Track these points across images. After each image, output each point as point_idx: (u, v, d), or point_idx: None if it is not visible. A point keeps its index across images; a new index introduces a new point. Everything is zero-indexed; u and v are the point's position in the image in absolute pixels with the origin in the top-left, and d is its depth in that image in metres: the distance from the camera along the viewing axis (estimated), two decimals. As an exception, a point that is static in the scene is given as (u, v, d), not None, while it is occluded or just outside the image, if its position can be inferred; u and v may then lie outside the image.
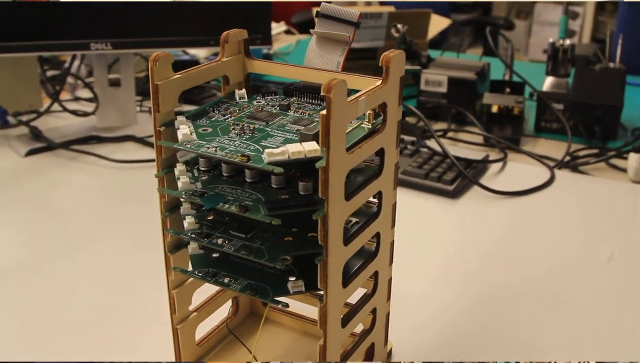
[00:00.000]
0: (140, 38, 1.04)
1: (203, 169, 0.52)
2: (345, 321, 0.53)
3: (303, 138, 0.48)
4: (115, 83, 1.13)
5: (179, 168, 0.52)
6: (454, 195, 0.97)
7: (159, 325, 0.65)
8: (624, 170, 1.09)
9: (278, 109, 0.55)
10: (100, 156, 1.05)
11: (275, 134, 0.50)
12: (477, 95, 1.30)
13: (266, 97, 0.58)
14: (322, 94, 0.44)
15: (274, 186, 0.50)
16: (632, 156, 1.06)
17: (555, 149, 1.17)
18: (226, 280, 0.52)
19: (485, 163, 1.07)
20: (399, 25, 1.30)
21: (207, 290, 0.59)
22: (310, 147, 0.46)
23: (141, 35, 1.03)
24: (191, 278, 0.58)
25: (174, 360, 0.60)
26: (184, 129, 0.49)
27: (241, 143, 0.49)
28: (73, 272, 0.77)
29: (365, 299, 0.57)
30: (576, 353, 0.65)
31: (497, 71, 1.37)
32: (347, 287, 0.52)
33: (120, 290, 0.74)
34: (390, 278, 0.60)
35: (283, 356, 0.62)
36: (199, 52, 1.57)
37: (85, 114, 1.15)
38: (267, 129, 0.51)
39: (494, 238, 0.86)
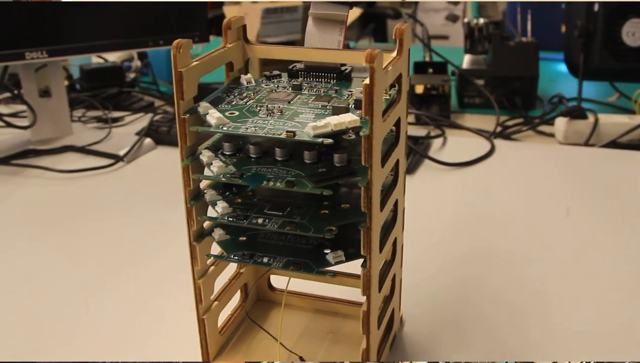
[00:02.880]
0: (76, 44, 1.00)
1: (228, 153, 0.53)
2: (379, 287, 0.55)
3: (336, 111, 0.50)
4: (45, 93, 1.09)
5: (206, 154, 0.52)
6: (409, 171, 1.00)
7: (154, 326, 0.64)
8: (551, 135, 1.17)
9: (291, 89, 0.56)
10: (45, 168, 1.01)
11: (303, 111, 0.51)
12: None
13: (272, 80, 0.58)
14: (364, 64, 0.45)
15: (307, 161, 0.51)
16: (560, 120, 1.15)
17: (482, 122, 1.24)
18: (265, 259, 0.52)
19: (428, 139, 1.12)
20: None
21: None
22: (350, 118, 0.47)
23: (77, 40, 1.00)
24: (212, 267, 0.58)
25: (199, 350, 0.59)
26: (214, 113, 0.49)
27: (276, 121, 0.49)
28: (56, 282, 0.74)
29: (387, 266, 0.59)
30: (551, 304, 0.70)
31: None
32: (381, 253, 0.53)
33: (101, 294, 0.72)
34: (402, 245, 0.62)
35: (304, 335, 0.63)
36: (109, 57, 1.52)
37: (22, 127, 1.09)
38: (292, 107, 0.52)
39: (455, 208, 0.91)
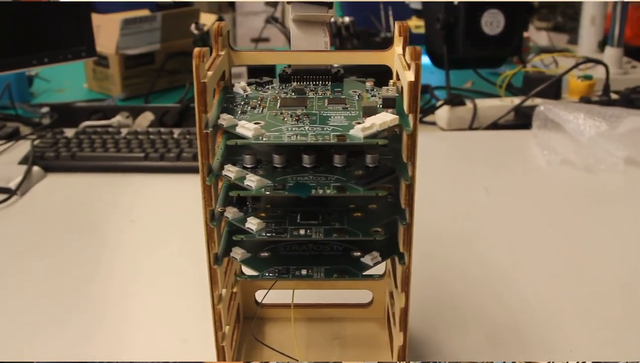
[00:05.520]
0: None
1: (249, 165, 0.50)
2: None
3: (367, 111, 0.49)
4: None
5: (231, 169, 0.49)
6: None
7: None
8: (431, 123, 1.24)
9: (295, 94, 0.54)
10: None
11: (330, 114, 0.50)
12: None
13: (265, 87, 0.56)
14: (410, 60, 0.45)
15: (338, 165, 0.50)
16: (442, 109, 1.22)
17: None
18: (304, 272, 0.50)
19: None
20: (201, 22, 1.29)
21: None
22: (390, 117, 0.47)
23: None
24: (224, 290, 0.54)
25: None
26: (246, 124, 0.46)
27: (311, 128, 0.47)
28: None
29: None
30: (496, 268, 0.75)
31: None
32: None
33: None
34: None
35: (311, 345, 0.61)
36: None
37: None
38: (314, 112, 0.50)
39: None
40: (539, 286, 0.71)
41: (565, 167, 1.02)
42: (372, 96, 0.53)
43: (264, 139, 0.46)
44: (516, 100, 1.23)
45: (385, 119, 0.47)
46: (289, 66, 0.57)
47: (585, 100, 1.21)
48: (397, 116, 0.47)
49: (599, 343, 0.63)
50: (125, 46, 1.38)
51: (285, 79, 0.57)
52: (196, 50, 0.46)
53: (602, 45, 1.59)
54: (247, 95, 0.54)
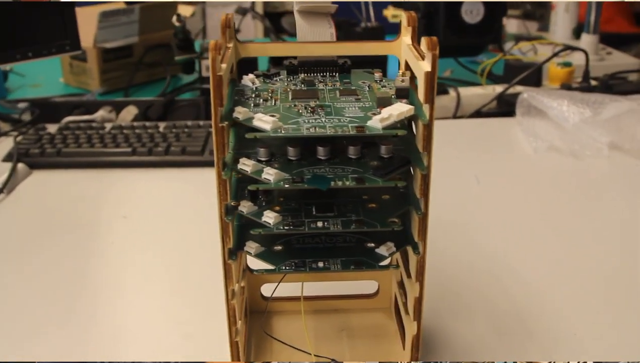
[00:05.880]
0: None
1: (263, 158, 0.49)
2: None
3: (382, 102, 0.49)
4: None
5: (247, 162, 0.48)
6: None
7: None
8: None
9: (305, 86, 0.54)
10: None
11: (344, 106, 0.50)
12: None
13: (273, 78, 0.56)
14: (426, 51, 0.45)
15: (352, 157, 0.50)
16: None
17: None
18: (321, 264, 0.50)
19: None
20: (182, 14, 1.27)
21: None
22: (406, 108, 0.47)
23: None
24: (236, 285, 0.54)
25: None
26: (263, 117, 0.46)
27: (328, 119, 0.47)
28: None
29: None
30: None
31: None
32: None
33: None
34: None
35: (319, 337, 0.61)
36: None
37: None
38: (328, 103, 0.50)
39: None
40: (539, 271, 0.72)
41: (552, 153, 1.03)
42: (382, 87, 0.53)
43: (282, 132, 0.45)
44: (498, 88, 1.24)
45: (401, 109, 0.47)
46: (295, 58, 0.57)
47: (566, 87, 1.23)
48: (412, 106, 0.47)
49: (601, 324, 0.64)
50: (103, 39, 1.36)
51: (292, 70, 0.56)
52: (212, 42, 0.45)
53: (575, 32, 1.61)
54: (256, 88, 0.53)
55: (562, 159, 1.01)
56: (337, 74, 0.56)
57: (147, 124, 1.09)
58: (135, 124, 1.09)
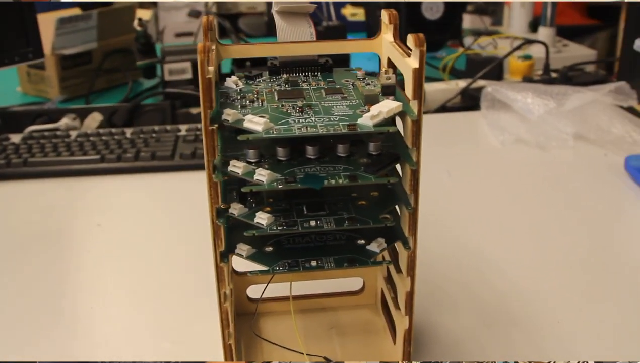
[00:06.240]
0: None
1: (253, 160, 0.49)
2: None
3: (369, 99, 0.49)
4: None
5: (237, 164, 0.48)
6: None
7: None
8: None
9: (289, 86, 0.54)
10: None
11: (332, 104, 0.50)
12: (221, 73, 1.33)
13: (256, 80, 0.55)
14: (414, 48, 0.46)
15: (341, 155, 0.50)
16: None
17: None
18: (314, 263, 0.50)
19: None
20: (144, 18, 1.25)
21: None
22: (395, 105, 0.48)
23: None
24: (228, 288, 0.54)
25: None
26: (254, 118, 0.46)
27: (318, 119, 0.47)
28: None
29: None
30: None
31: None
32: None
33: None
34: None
35: (308, 336, 0.61)
36: None
37: None
38: (315, 103, 0.50)
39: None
40: (514, 261, 0.74)
41: (519, 145, 1.05)
42: (366, 85, 0.54)
43: (274, 133, 0.45)
44: (461, 83, 1.25)
45: (390, 106, 0.47)
46: (276, 58, 0.57)
47: (528, 79, 1.25)
48: (401, 103, 0.48)
49: (581, 309, 0.65)
50: (61, 46, 1.33)
51: (275, 71, 0.56)
52: (200, 45, 0.45)
53: (531, 26, 1.64)
54: (240, 90, 0.53)
55: (529, 151, 1.03)
56: (319, 73, 0.56)
57: (114, 130, 1.07)
58: (101, 130, 1.07)
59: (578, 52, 1.48)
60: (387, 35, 0.55)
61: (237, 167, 0.48)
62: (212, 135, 0.47)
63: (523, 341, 0.62)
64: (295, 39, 0.56)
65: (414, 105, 0.48)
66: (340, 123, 0.46)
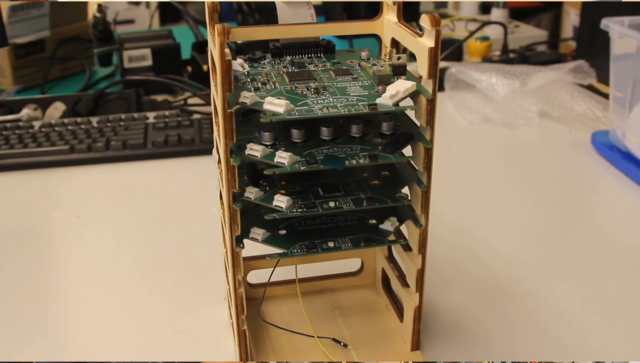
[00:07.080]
0: None
1: (267, 143, 0.49)
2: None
3: (382, 80, 0.50)
4: None
5: (255, 148, 0.48)
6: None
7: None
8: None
9: (296, 68, 0.54)
10: None
11: (344, 85, 0.50)
12: (181, 59, 1.31)
13: (260, 62, 0.55)
14: (430, 27, 0.47)
15: (355, 135, 0.50)
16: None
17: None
18: (331, 244, 0.51)
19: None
20: (102, 5, 1.22)
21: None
22: (410, 84, 0.48)
23: None
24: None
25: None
26: (274, 100, 0.46)
27: (336, 100, 0.47)
28: None
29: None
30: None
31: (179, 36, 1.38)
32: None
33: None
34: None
35: (313, 319, 0.61)
36: None
37: None
38: (329, 83, 0.50)
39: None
40: (501, 237, 0.76)
41: (486, 124, 1.07)
42: (372, 65, 0.54)
43: (296, 114, 0.45)
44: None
45: (406, 85, 0.48)
46: (277, 40, 0.56)
47: (488, 60, 1.28)
48: (415, 82, 0.48)
49: (570, 277, 0.68)
50: (13, 35, 1.28)
51: (277, 53, 0.56)
52: (219, 26, 0.44)
53: (481, 8, 1.67)
54: (247, 72, 0.53)
55: (496, 130, 1.06)
56: (322, 54, 0.56)
57: (79, 119, 1.04)
58: (65, 120, 1.04)
59: (530, 33, 1.51)
60: (389, 15, 0.55)
61: (254, 150, 0.47)
62: (230, 119, 0.46)
63: (519, 312, 0.64)
64: (297, 21, 0.56)
65: (427, 84, 0.48)
66: (360, 103, 0.47)
